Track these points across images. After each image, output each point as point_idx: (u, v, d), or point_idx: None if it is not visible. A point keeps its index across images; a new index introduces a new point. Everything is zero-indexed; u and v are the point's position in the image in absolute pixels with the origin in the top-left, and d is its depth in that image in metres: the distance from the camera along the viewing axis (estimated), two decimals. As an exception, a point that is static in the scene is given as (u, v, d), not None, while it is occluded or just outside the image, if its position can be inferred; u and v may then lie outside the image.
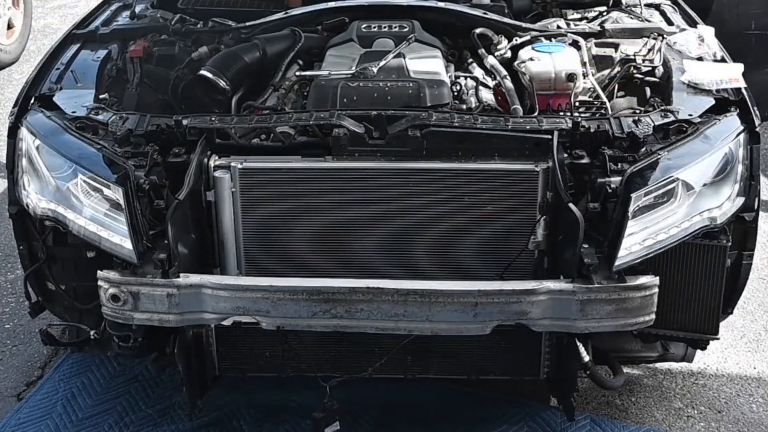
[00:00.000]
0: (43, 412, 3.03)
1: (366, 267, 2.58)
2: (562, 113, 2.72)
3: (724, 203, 2.49)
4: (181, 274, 2.37)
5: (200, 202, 2.54)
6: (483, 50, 3.07)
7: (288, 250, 2.60)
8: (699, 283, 2.51)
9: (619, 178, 2.36)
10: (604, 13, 3.36)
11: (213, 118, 2.56)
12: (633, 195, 2.33)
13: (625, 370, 2.84)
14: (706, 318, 2.55)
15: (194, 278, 2.38)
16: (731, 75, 2.70)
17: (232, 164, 2.52)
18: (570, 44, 3.01)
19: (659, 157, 2.43)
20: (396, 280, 2.40)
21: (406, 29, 3.04)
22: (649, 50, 2.97)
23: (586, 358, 2.48)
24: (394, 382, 2.94)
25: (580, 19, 3.36)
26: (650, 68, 2.91)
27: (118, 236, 2.45)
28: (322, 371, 2.69)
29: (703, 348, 2.71)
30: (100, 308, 2.43)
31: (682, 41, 2.98)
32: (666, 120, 2.53)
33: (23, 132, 2.67)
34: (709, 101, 2.62)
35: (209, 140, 2.54)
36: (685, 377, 3.18)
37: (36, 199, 2.60)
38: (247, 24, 3.23)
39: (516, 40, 3.10)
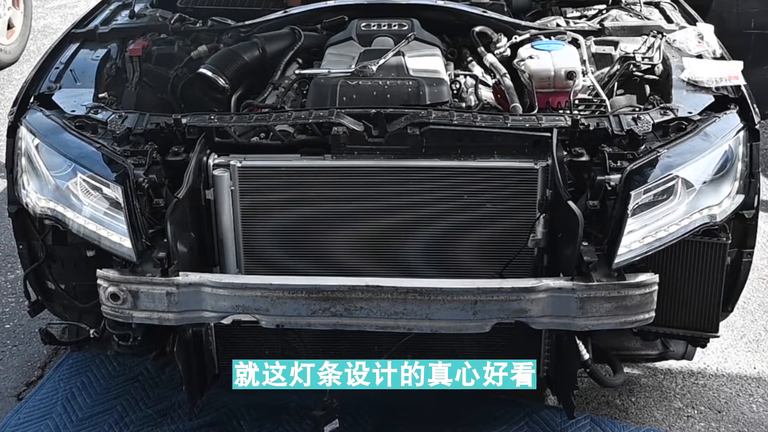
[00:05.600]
0: (43, 412, 3.03)
1: (366, 265, 2.57)
2: (561, 111, 2.72)
3: (724, 201, 2.49)
4: (180, 273, 2.37)
5: (199, 200, 2.55)
6: (482, 48, 3.07)
7: (287, 248, 2.60)
8: (699, 280, 2.50)
9: (619, 176, 2.36)
10: (604, 11, 3.36)
11: (212, 117, 2.56)
12: (632, 192, 2.33)
13: (625, 369, 2.84)
14: (706, 316, 2.55)
15: (193, 277, 2.38)
16: (731, 72, 2.70)
17: (232, 163, 2.52)
18: (569, 42, 3.01)
19: (659, 154, 2.43)
20: (395, 278, 2.39)
21: (405, 28, 3.05)
22: (649, 48, 2.96)
23: (586, 356, 2.47)
24: (394, 381, 2.94)
25: (580, 17, 3.36)
26: (650, 66, 2.91)
27: (117, 235, 2.45)
28: (321, 370, 2.69)
29: (703, 346, 2.70)
30: (99, 307, 2.43)
31: (681, 39, 2.98)
32: (665, 117, 2.53)
33: (22, 131, 2.67)
34: (709, 99, 2.62)
35: (208, 139, 2.54)
36: (685, 377, 3.17)
37: (35, 198, 2.60)
38: (247, 23, 3.23)
39: (515, 38, 3.10)
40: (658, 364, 3.18)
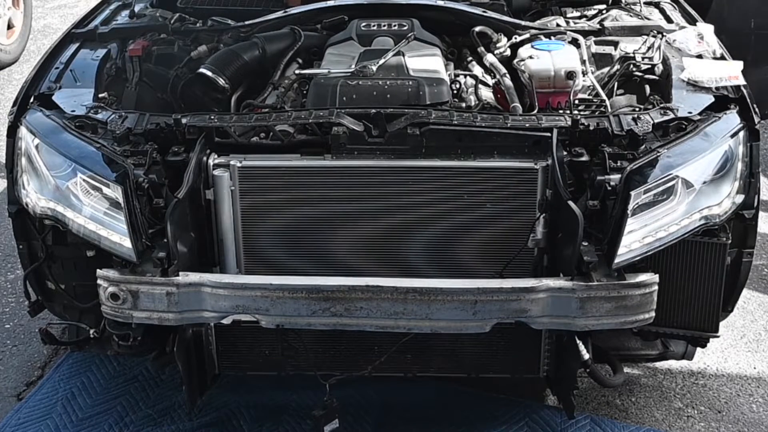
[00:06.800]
0: (43, 412, 3.02)
1: (366, 265, 2.57)
2: (561, 111, 2.72)
3: (724, 201, 2.49)
4: (180, 273, 2.37)
5: (199, 200, 2.54)
6: (482, 48, 3.07)
7: (287, 248, 2.60)
8: (699, 280, 2.50)
9: (619, 176, 2.36)
10: (604, 11, 3.35)
11: (212, 117, 2.56)
12: (632, 192, 2.33)
13: (625, 369, 2.84)
14: (706, 315, 2.55)
15: (193, 277, 2.37)
16: (731, 72, 2.70)
17: (231, 163, 2.52)
18: (569, 42, 3.01)
19: (659, 154, 2.43)
20: (395, 278, 2.39)
21: (405, 27, 3.04)
22: (649, 48, 2.96)
23: (586, 356, 2.47)
24: (395, 382, 2.94)
25: (580, 17, 3.36)
26: (650, 66, 2.90)
27: (117, 235, 2.45)
28: (321, 369, 2.68)
29: (703, 346, 2.71)
30: (99, 307, 2.43)
31: (681, 39, 2.98)
32: (665, 117, 2.53)
33: (22, 131, 2.67)
34: (709, 99, 2.62)
35: (208, 139, 2.54)
36: (685, 377, 3.17)
37: (35, 198, 2.60)
38: (247, 23, 3.23)
39: (515, 38, 3.10)
40: (658, 364, 3.18)
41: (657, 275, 2.33)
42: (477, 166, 2.50)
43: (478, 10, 3.18)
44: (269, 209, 2.57)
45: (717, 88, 2.66)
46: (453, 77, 2.90)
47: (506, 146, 2.50)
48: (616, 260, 2.34)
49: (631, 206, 2.33)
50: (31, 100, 2.77)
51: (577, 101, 2.76)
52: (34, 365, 3.30)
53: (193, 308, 2.39)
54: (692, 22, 3.21)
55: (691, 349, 2.83)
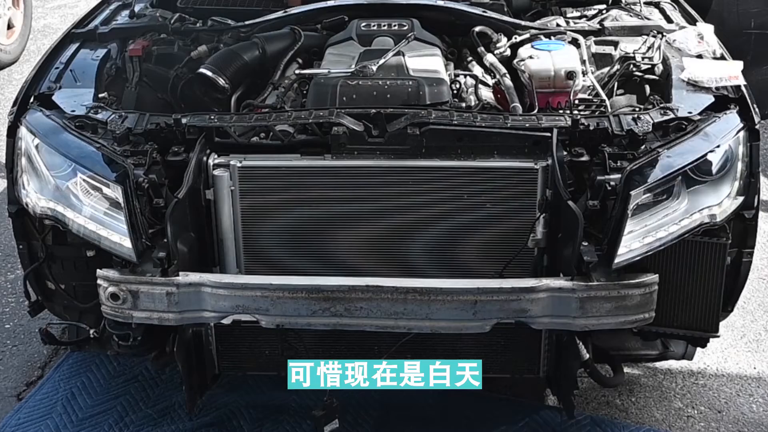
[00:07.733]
0: (43, 412, 3.03)
1: (366, 265, 2.58)
2: (561, 111, 2.72)
3: (724, 201, 2.49)
4: (180, 273, 2.37)
5: (199, 200, 2.54)
6: (482, 48, 3.07)
7: (287, 248, 2.60)
8: (699, 280, 2.50)
9: (619, 176, 2.36)
10: (604, 11, 3.35)
11: (212, 117, 2.56)
12: (632, 193, 2.33)
13: (625, 369, 2.84)
14: (706, 316, 2.55)
15: (193, 277, 2.38)
16: (731, 72, 2.69)
17: (231, 163, 2.52)
18: (569, 42, 3.01)
19: (659, 154, 2.43)
20: (395, 278, 2.39)
21: (405, 28, 3.04)
22: (649, 48, 2.96)
23: (586, 356, 2.48)
24: (394, 381, 2.94)
25: (580, 17, 3.35)
26: (650, 66, 2.91)
27: (117, 235, 2.45)
28: (321, 370, 2.69)
29: (703, 346, 2.70)
30: (99, 307, 2.43)
31: (681, 39, 2.98)
32: (665, 117, 2.53)
33: (22, 131, 2.66)
34: (709, 99, 2.62)
35: (208, 139, 2.54)
36: (685, 377, 3.17)
37: (35, 198, 2.60)
38: (247, 23, 3.23)
39: (515, 38, 3.10)
40: (658, 364, 3.18)
41: (657, 275, 2.33)
42: (477, 166, 2.50)
43: (478, 10, 3.18)
44: (269, 209, 2.57)
45: (717, 88, 2.66)
46: (453, 77, 2.89)
47: (506, 146, 2.50)
48: (616, 260, 2.34)
49: (631, 206, 2.33)
50: (31, 100, 2.77)
51: (577, 101, 2.76)
52: (34, 365, 3.30)
53: (193, 308, 2.39)
54: (692, 22, 3.21)
55: (691, 349, 2.83)
